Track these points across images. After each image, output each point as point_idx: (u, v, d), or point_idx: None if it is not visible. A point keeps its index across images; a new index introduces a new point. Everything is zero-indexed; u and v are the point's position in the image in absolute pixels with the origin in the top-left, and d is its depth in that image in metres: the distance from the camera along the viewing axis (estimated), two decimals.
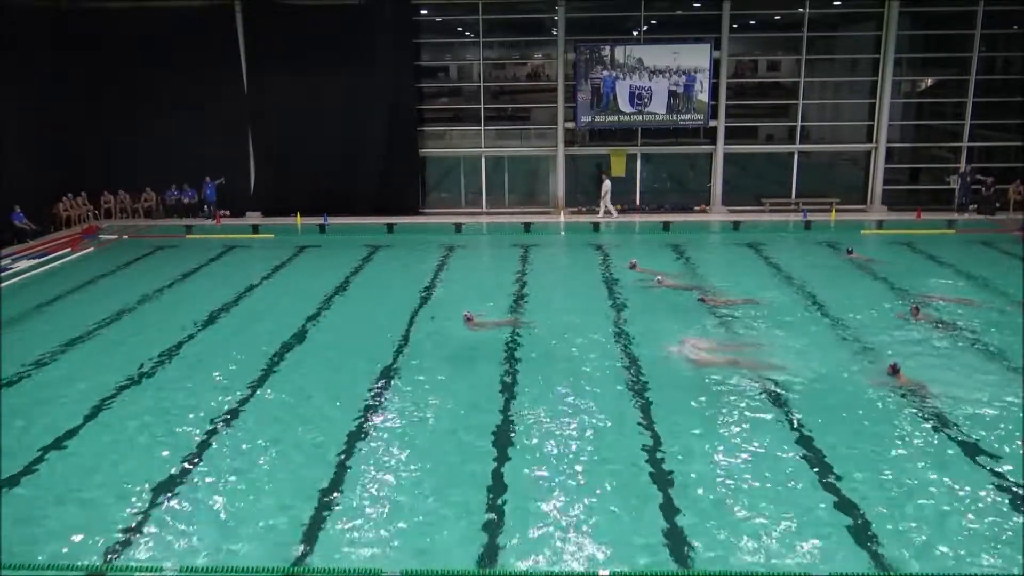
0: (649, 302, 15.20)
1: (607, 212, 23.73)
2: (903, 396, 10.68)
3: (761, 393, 10.86)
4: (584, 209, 24.44)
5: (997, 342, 12.82)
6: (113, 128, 23.79)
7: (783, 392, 10.89)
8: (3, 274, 17.80)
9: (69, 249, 20.40)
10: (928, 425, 9.93)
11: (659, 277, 16.18)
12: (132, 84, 23.57)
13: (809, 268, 17.83)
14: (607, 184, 23.78)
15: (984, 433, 9.66)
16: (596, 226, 22.95)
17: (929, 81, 25.15)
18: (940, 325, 13.57)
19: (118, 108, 23.69)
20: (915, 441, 9.56)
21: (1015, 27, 23.57)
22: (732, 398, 10.70)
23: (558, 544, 7.59)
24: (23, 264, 18.76)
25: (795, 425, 9.95)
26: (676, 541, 7.61)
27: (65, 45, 23.08)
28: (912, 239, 20.64)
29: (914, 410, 10.33)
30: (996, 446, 9.35)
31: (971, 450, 9.28)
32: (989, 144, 24.27)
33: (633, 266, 17.27)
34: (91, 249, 20.67)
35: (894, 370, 11.06)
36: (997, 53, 24.36)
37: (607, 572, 7.12)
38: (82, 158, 23.74)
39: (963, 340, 12.96)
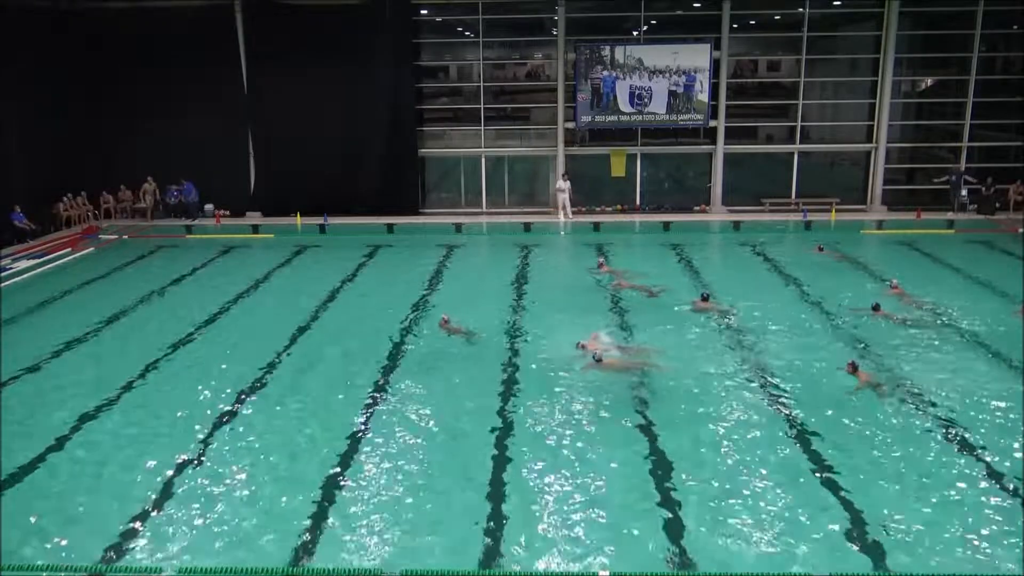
0: (608, 304, 15.15)
1: (565, 212, 23.84)
2: (865, 393, 10.75)
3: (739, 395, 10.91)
4: (584, 209, 24.47)
5: (961, 338, 13.01)
6: (113, 128, 23.77)
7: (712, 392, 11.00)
8: (3, 274, 17.80)
9: (69, 249, 20.40)
10: (894, 421, 10.03)
11: (618, 278, 16.17)
12: (132, 84, 23.53)
13: (781, 266, 17.95)
14: (565, 184, 23.76)
15: (956, 429, 9.75)
16: (596, 225, 22.95)
17: (929, 81, 25.15)
18: (901, 321, 13.61)
19: (118, 108, 23.65)
20: (887, 436, 9.62)
21: (1015, 27, 23.55)
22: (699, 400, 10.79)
23: (557, 543, 7.60)
24: (23, 264, 18.76)
25: (753, 424, 10.03)
26: (672, 541, 7.63)
27: (65, 45, 23.06)
28: (912, 239, 20.64)
29: (878, 407, 10.40)
30: (966, 441, 9.46)
31: (948, 446, 9.38)
32: (989, 144, 24.27)
33: (600, 266, 17.41)
34: (91, 249, 20.67)
35: (853, 368, 11.14)
36: (997, 53, 24.35)
37: (607, 572, 7.12)
38: (82, 158, 23.69)
39: (927, 337, 13.04)
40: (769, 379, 11.42)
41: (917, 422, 10.03)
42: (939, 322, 13.74)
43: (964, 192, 23.70)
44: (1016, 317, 13.70)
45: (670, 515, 8.05)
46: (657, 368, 11.71)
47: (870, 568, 7.21)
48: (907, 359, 12.09)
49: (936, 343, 12.81)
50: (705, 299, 14.79)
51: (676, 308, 14.71)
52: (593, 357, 11.65)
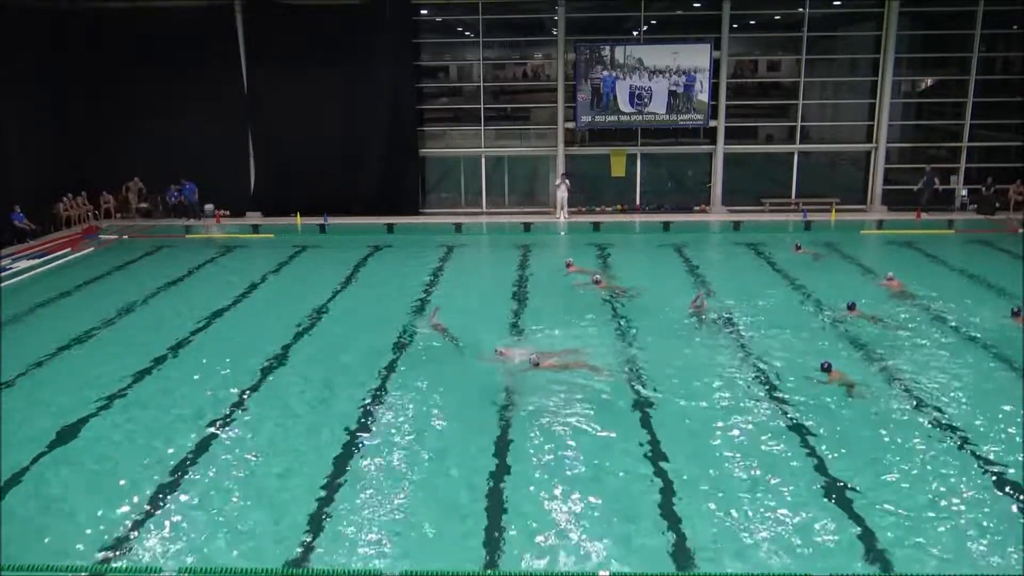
0: (600, 304, 15.10)
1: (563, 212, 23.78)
2: (838, 392, 10.79)
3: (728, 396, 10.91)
4: (584, 209, 24.46)
5: (958, 338, 13.05)
6: (113, 128, 23.76)
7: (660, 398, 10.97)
8: (3, 274, 17.80)
9: (69, 249, 20.40)
10: (884, 419, 10.06)
11: (596, 277, 16.22)
12: (132, 84, 23.54)
13: (775, 265, 18.05)
14: (564, 183, 23.71)
15: (955, 428, 9.80)
16: (596, 225, 22.95)
17: (929, 81, 25.15)
18: (875, 322, 13.61)
19: (118, 108, 23.65)
20: (880, 435, 9.65)
21: (1015, 27, 23.55)
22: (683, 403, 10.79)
23: (557, 544, 7.61)
24: (23, 264, 18.76)
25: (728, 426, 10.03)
26: (670, 541, 7.64)
27: (65, 45, 23.08)
28: (912, 239, 20.64)
29: (852, 407, 10.43)
30: (965, 440, 9.48)
31: (948, 446, 9.39)
32: (989, 144, 24.27)
33: (568, 266, 17.34)
34: (91, 249, 20.67)
35: (825, 368, 11.15)
36: (997, 53, 24.35)
37: (607, 572, 7.12)
38: (82, 158, 23.70)
39: (903, 336, 13.06)
40: (759, 378, 11.42)
41: (911, 421, 10.03)
42: (934, 320, 13.77)
43: (964, 192, 23.74)
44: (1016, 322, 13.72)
45: (667, 515, 8.06)
46: (594, 368, 11.62)
47: (870, 568, 7.21)
48: (902, 359, 12.09)
49: (931, 342, 12.82)
50: (698, 301, 14.74)
51: (668, 308, 14.68)
52: (530, 362, 11.62)
